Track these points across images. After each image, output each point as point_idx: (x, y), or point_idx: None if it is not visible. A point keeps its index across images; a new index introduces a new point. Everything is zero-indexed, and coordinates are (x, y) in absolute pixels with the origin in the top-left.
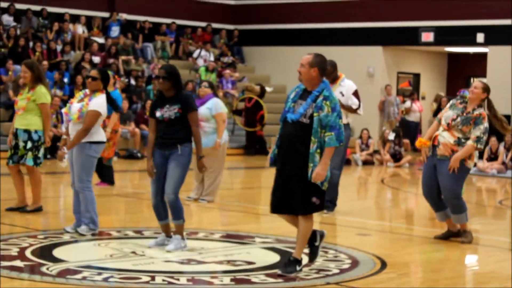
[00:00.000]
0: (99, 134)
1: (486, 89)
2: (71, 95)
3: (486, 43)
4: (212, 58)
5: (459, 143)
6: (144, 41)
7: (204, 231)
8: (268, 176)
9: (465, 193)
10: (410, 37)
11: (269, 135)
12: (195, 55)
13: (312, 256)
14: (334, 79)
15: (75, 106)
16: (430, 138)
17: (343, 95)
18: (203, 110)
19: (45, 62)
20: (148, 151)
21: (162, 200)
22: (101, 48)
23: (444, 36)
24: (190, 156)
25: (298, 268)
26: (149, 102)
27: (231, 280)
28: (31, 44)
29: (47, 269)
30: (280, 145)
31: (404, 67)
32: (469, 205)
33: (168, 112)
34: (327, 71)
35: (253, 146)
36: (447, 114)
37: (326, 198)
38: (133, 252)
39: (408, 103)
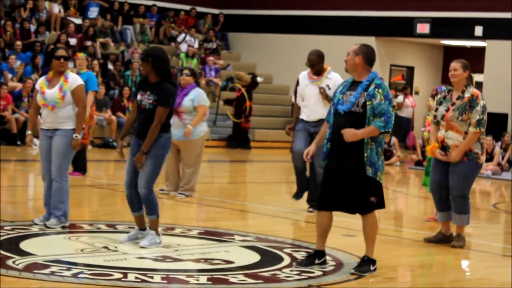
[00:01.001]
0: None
1: (466, 66)
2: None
3: (484, 36)
4: (197, 45)
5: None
6: (124, 23)
7: (180, 227)
8: (251, 171)
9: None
10: (404, 28)
11: (254, 127)
12: (179, 39)
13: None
14: (320, 71)
15: (51, 92)
16: (437, 141)
17: (329, 88)
18: (186, 102)
19: (18, 43)
20: (122, 131)
21: (136, 191)
22: (77, 29)
23: (440, 28)
24: (165, 147)
25: (372, 267)
26: (126, 89)
27: (208, 279)
28: (2, 22)
29: (14, 262)
30: (332, 138)
31: (397, 59)
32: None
33: (146, 99)
34: (312, 62)
35: (237, 138)
36: (439, 111)
37: (313, 198)
38: (105, 247)
39: (400, 98)
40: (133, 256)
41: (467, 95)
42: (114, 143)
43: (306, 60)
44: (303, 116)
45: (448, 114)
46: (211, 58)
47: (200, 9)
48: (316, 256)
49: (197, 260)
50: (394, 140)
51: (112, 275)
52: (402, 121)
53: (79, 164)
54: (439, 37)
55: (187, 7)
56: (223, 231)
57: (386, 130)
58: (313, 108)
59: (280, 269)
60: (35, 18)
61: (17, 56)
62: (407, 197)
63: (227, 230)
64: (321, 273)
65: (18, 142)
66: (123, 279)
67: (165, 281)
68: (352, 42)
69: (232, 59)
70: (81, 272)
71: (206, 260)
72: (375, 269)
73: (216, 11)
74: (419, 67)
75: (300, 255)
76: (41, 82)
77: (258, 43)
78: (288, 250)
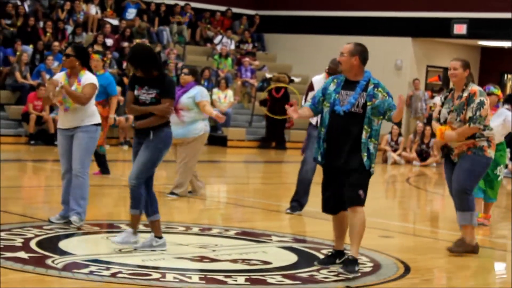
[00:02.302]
0: (98, 116)
1: (466, 64)
2: None
3: None
4: (233, 46)
5: (473, 137)
6: (160, 24)
7: (218, 227)
8: (287, 172)
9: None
10: (441, 29)
11: (289, 128)
12: (216, 41)
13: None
14: None
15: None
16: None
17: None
18: (184, 99)
19: (56, 43)
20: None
21: (149, 193)
22: (114, 30)
23: (477, 29)
24: (165, 142)
25: (356, 268)
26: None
27: (246, 280)
28: (41, 24)
29: (53, 261)
30: (328, 139)
31: (434, 60)
32: (497, 209)
33: (145, 95)
34: (332, 70)
35: (273, 139)
36: (442, 113)
37: (294, 198)
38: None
39: (437, 99)
40: (170, 256)
41: (465, 94)
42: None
43: (328, 68)
44: (315, 121)
45: (450, 118)
46: (246, 59)
47: (235, 10)
48: (337, 256)
49: (235, 261)
50: (433, 141)
51: (150, 275)
52: None
53: (102, 164)
54: (476, 38)
55: (223, 8)
56: (260, 232)
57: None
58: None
59: (317, 270)
60: (72, 20)
61: (54, 57)
62: (443, 198)
63: (264, 230)
64: (359, 274)
65: (56, 142)
66: (161, 279)
67: (203, 282)
68: (389, 43)
69: (267, 60)
70: (120, 272)
71: (243, 260)
72: (358, 271)
73: (251, 12)
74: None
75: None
76: (62, 76)
77: (294, 44)
78: (325, 251)
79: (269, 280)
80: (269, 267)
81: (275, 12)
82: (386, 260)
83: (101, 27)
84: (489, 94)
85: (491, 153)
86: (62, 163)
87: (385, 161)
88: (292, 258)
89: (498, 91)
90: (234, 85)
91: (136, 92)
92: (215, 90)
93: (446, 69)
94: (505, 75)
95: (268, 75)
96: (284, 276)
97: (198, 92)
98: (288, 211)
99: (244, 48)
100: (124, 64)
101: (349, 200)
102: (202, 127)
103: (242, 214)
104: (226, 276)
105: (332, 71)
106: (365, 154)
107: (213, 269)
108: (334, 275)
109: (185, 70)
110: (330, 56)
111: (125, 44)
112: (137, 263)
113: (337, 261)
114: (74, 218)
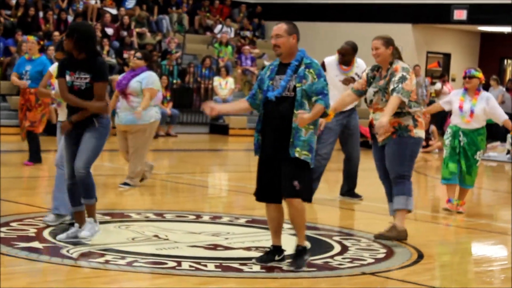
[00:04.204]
0: None
1: (388, 42)
2: None
3: None
4: (232, 34)
5: (397, 115)
6: (159, 13)
7: (228, 216)
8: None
9: (497, 181)
10: (441, 15)
11: None
12: (216, 31)
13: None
14: (349, 62)
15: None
16: (336, 110)
17: (359, 76)
18: (133, 84)
19: (56, 33)
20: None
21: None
22: (114, 20)
23: (477, 14)
24: (107, 128)
25: (306, 257)
26: (164, 78)
27: (262, 267)
28: (41, 13)
29: (67, 251)
30: (263, 128)
31: (434, 46)
32: (501, 194)
33: (79, 80)
34: (346, 51)
35: None
36: (368, 93)
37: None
38: (156, 236)
39: (438, 85)
40: (184, 245)
41: (389, 73)
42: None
43: (340, 48)
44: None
45: (375, 99)
46: (246, 47)
47: None
48: (276, 253)
49: (248, 248)
50: (432, 127)
51: (166, 263)
52: None
53: (33, 154)
54: (476, 23)
55: None
56: None
57: (327, 107)
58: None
59: (331, 257)
60: (72, 9)
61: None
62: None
63: None
64: (372, 260)
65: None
66: (177, 267)
67: (219, 269)
68: (389, 29)
69: (267, 48)
70: (136, 261)
71: (257, 248)
72: (309, 257)
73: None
74: (456, 53)
75: (350, 243)
76: (54, 70)
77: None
78: (337, 238)
79: (285, 268)
80: (283, 254)
81: (274, 0)
82: (398, 246)
83: (100, 16)
84: (470, 77)
85: (418, 132)
86: (60, 153)
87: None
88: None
89: (479, 74)
90: (234, 73)
91: (68, 78)
92: (216, 78)
93: (446, 55)
94: (505, 61)
95: (268, 63)
96: None
97: (146, 77)
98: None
99: (244, 36)
100: (125, 54)
101: (285, 192)
102: (153, 114)
103: (246, 202)
104: (241, 264)
105: (344, 51)
106: (292, 140)
107: (228, 257)
108: (349, 262)
109: (138, 54)
110: (330, 43)
111: (125, 33)
112: (151, 252)
113: (276, 257)
114: (50, 217)
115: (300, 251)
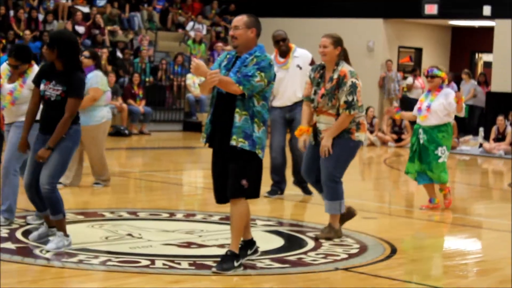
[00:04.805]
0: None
1: (337, 41)
2: None
3: (493, 16)
4: (205, 31)
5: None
6: (131, 10)
7: (201, 213)
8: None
9: (470, 175)
10: (412, 10)
11: None
12: (188, 28)
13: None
14: (286, 52)
15: (6, 89)
16: (309, 123)
17: (300, 68)
18: None
19: (27, 32)
20: (25, 124)
21: (38, 192)
22: (85, 18)
23: (448, 9)
24: (74, 140)
25: (236, 263)
26: (136, 76)
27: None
28: (12, 12)
29: (41, 251)
30: (213, 120)
31: (405, 41)
32: (474, 188)
33: (50, 90)
34: (280, 37)
35: None
36: (313, 94)
37: (272, 183)
38: (129, 234)
39: (410, 79)
40: (158, 243)
41: (335, 76)
42: (126, 131)
43: (272, 37)
44: (277, 103)
45: (319, 100)
46: (219, 44)
47: None
48: (247, 247)
49: (222, 246)
50: (405, 122)
51: (139, 262)
52: (412, 102)
53: None
54: (447, 17)
55: None
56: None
57: (238, 84)
58: (283, 93)
59: (305, 253)
60: (42, 7)
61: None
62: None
63: None
64: (346, 256)
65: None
66: (151, 266)
67: (193, 267)
68: (360, 24)
69: None
70: (109, 260)
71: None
72: (240, 266)
73: None
74: (427, 48)
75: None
76: (5, 71)
77: (267, 28)
78: (311, 234)
79: (258, 264)
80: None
81: None
82: (372, 241)
83: (71, 14)
84: (433, 76)
85: (359, 136)
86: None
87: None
88: (279, 241)
89: (442, 73)
90: None
91: (42, 87)
92: (189, 75)
93: (417, 50)
94: (476, 54)
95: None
96: (273, 259)
97: (91, 77)
98: (266, 194)
99: (217, 31)
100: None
101: (229, 191)
102: (104, 114)
103: None
104: (215, 262)
105: (280, 37)
106: (239, 126)
107: (201, 255)
108: (323, 257)
109: (86, 53)
110: (300, 39)
111: (96, 31)
112: (125, 251)
113: (249, 251)
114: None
115: (229, 256)
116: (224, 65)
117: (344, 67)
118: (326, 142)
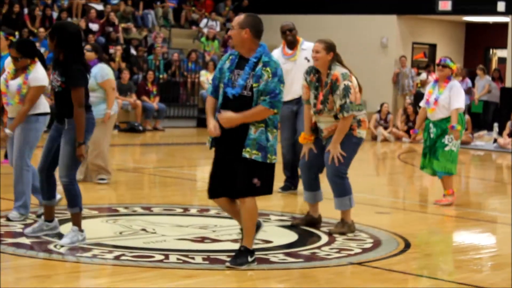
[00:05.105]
0: (44, 105)
1: (330, 47)
2: None
3: (507, 12)
4: (218, 28)
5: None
6: (145, 8)
7: (215, 208)
8: (279, 150)
9: (484, 170)
10: (426, 6)
11: None
12: (201, 25)
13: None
14: (293, 44)
15: (12, 85)
16: (311, 128)
17: (308, 60)
18: None
19: (41, 29)
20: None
21: (48, 176)
22: (99, 15)
23: (462, 5)
24: (86, 128)
25: (250, 259)
26: (150, 73)
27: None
28: (26, 10)
29: (55, 246)
30: (221, 124)
31: (419, 37)
32: (488, 183)
33: (55, 81)
34: (288, 27)
35: None
36: (312, 96)
37: (286, 179)
38: (143, 230)
39: (423, 75)
40: (172, 238)
41: (329, 80)
42: (140, 127)
43: (280, 29)
44: (284, 98)
45: (318, 107)
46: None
47: None
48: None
49: (236, 241)
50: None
51: (153, 256)
52: None
53: None
54: (461, 13)
55: None
56: (258, 211)
57: (273, 108)
58: (290, 86)
59: (319, 248)
60: (56, 5)
61: (41, 43)
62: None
63: (261, 210)
64: (360, 250)
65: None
66: (165, 261)
67: (207, 262)
68: (374, 21)
69: None
70: (123, 255)
71: None
72: (254, 261)
73: None
74: (441, 44)
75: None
76: (10, 64)
77: (279, 25)
78: (324, 229)
79: (272, 259)
80: (270, 245)
81: None
82: (385, 236)
83: (85, 12)
84: (444, 66)
85: (360, 132)
86: (9, 151)
87: (374, 138)
88: (293, 236)
89: (453, 65)
90: None
91: (51, 77)
92: (203, 72)
93: (431, 46)
94: (490, 50)
95: None
96: (286, 254)
97: (99, 71)
98: (279, 190)
99: (230, 27)
100: (111, 50)
101: (239, 192)
102: (113, 108)
103: None
104: (229, 256)
105: (287, 28)
106: (254, 138)
107: (215, 249)
108: (336, 252)
109: (88, 47)
110: (316, 36)
111: (110, 29)
112: (139, 246)
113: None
114: (13, 214)
115: (242, 251)
116: (227, 67)
117: (336, 71)
118: (334, 149)
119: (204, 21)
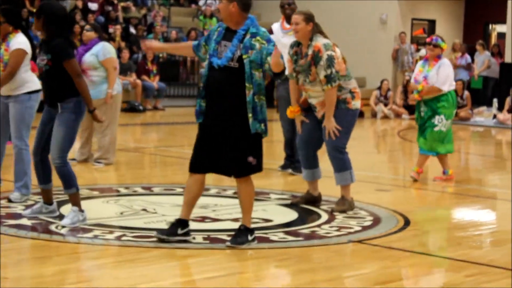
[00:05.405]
0: (35, 82)
1: (309, 18)
2: None
3: None
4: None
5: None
6: None
7: (215, 187)
8: (278, 129)
9: (484, 146)
10: None
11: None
12: (200, 3)
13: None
14: (291, 16)
15: None
16: (298, 101)
17: None
18: (88, 58)
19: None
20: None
21: (42, 160)
22: None
23: None
24: (77, 112)
25: (249, 237)
26: (149, 52)
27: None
28: None
29: (56, 227)
30: (206, 95)
31: (418, 13)
32: (488, 159)
33: (41, 61)
34: (283, 6)
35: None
36: (289, 70)
37: (285, 157)
38: (144, 210)
39: (423, 51)
40: (172, 218)
41: (310, 52)
42: (140, 106)
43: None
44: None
45: (298, 77)
46: None
47: None
48: (179, 226)
49: (236, 220)
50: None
51: (154, 236)
52: None
53: None
54: None
55: None
56: (258, 190)
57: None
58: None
59: (319, 226)
60: None
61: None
62: None
63: (261, 189)
64: (360, 228)
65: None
66: (165, 240)
67: (208, 241)
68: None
69: None
70: (124, 235)
71: None
72: (253, 239)
73: None
74: (440, 20)
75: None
76: None
77: (277, 3)
78: (324, 207)
79: (272, 238)
80: (270, 224)
81: None
82: (385, 213)
83: None
84: (435, 45)
85: (355, 104)
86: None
87: (374, 115)
88: (293, 215)
89: (444, 45)
90: None
91: (37, 59)
92: None
93: (431, 22)
94: (490, 25)
95: None
96: (286, 233)
97: (101, 49)
98: (279, 169)
99: None
100: (110, 29)
101: (237, 170)
102: (114, 87)
103: None
104: (229, 236)
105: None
106: (251, 115)
107: (215, 229)
108: (336, 230)
109: (87, 27)
110: (314, 12)
111: (110, 8)
112: (140, 226)
113: (179, 231)
114: (15, 194)
115: (242, 230)
116: (214, 38)
117: (317, 42)
118: (329, 124)
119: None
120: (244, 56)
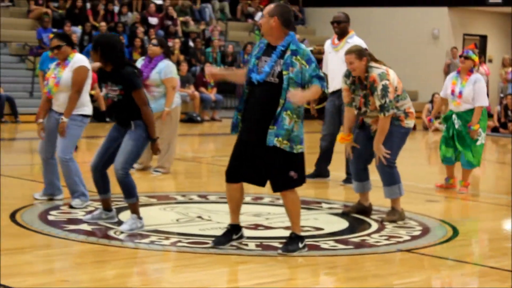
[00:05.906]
0: (90, 107)
1: (360, 54)
2: (131, 58)
3: None
4: None
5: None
6: (202, 2)
7: (269, 196)
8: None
9: (503, 154)
10: None
11: None
12: (257, 17)
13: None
14: (343, 33)
15: (50, 80)
16: (350, 129)
17: None
18: (153, 75)
19: (103, 23)
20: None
21: (102, 173)
22: (158, 10)
23: None
24: (146, 131)
25: (300, 245)
26: (208, 65)
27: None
28: (88, 5)
29: (115, 233)
30: (245, 109)
31: (470, 28)
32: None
33: (111, 92)
34: (338, 18)
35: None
36: (355, 100)
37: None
38: (199, 217)
39: None
40: (226, 225)
41: (367, 83)
42: (198, 117)
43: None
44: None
45: (362, 109)
46: None
47: None
48: (233, 231)
49: (288, 228)
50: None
51: (208, 243)
52: None
53: None
54: (511, 5)
55: None
56: (310, 200)
57: (323, 88)
58: (333, 78)
59: (369, 235)
60: (118, 0)
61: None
62: (483, 163)
63: (313, 198)
64: (409, 237)
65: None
66: (219, 247)
67: (260, 248)
68: (426, 13)
69: (307, 34)
70: (179, 241)
71: None
72: (304, 247)
73: None
74: (491, 35)
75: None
76: (52, 68)
77: (331, 17)
78: (374, 217)
79: (323, 246)
80: (321, 233)
81: None
82: (434, 224)
83: (145, 6)
84: (466, 57)
85: (408, 123)
86: (43, 144)
87: (426, 128)
88: (343, 224)
89: (475, 57)
90: None
91: (104, 90)
92: None
93: (482, 37)
94: None
95: (309, 48)
96: (337, 241)
97: (164, 68)
98: (341, 183)
99: None
100: (170, 43)
101: (278, 186)
102: (174, 100)
103: None
104: (281, 243)
105: (337, 19)
106: (272, 126)
107: (268, 236)
108: (386, 239)
109: (154, 41)
110: (368, 28)
111: (169, 22)
112: (195, 232)
113: (234, 236)
114: (76, 201)
115: (293, 238)
116: (254, 54)
117: (373, 73)
118: (378, 150)
119: (260, 14)
120: (284, 72)
